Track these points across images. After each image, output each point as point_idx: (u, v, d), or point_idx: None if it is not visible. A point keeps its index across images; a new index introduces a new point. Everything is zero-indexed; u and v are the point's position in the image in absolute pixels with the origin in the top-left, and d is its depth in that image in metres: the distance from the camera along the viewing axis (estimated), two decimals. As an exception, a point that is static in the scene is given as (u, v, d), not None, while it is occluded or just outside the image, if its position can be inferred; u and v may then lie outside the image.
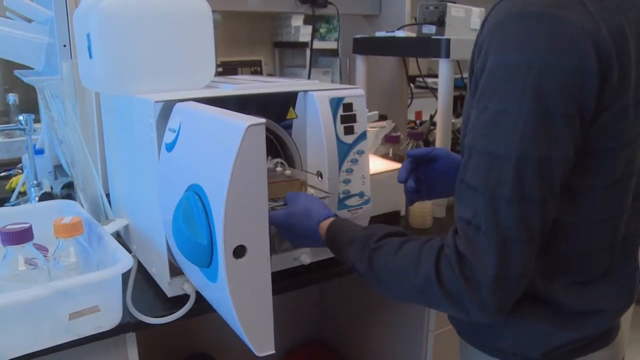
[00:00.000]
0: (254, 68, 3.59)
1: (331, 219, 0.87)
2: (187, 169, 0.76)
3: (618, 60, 0.65)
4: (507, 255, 0.64)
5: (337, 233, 0.85)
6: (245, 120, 0.64)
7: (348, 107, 1.06)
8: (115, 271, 0.84)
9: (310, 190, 1.05)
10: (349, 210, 1.08)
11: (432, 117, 2.39)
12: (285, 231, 0.91)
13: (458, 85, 4.49)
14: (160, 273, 0.97)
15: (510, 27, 0.65)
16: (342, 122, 1.05)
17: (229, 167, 0.63)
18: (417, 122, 2.32)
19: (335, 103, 1.04)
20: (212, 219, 0.66)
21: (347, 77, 2.02)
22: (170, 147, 0.82)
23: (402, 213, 1.40)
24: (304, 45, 4.50)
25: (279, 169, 1.05)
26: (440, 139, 1.44)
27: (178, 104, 0.85)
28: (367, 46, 1.65)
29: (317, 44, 4.65)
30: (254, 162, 0.64)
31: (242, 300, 0.67)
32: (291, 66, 4.13)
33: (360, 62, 1.67)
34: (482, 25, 0.71)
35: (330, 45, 4.76)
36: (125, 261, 0.85)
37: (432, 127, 2.18)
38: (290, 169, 1.05)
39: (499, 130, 0.65)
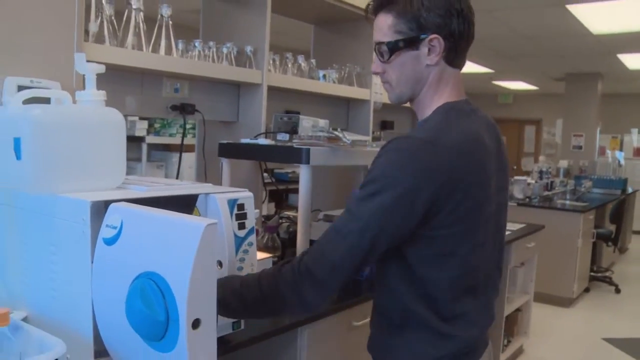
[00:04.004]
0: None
1: None
2: (136, 260, 0.90)
3: (453, 184, 1.07)
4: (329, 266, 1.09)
5: None
6: (201, 222, 0.83)
7: (241, 206, 1.28)
8: (51, 357, 0.92)
9: None
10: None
11: (277, 211, 2.69)
12: None
13: (284, 179, 4.88)
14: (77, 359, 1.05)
15: (390, 154, 1.08)
16: (236, 219, 1.26)
17: (190, 259, 0.81)
18: (265, 216, 2.58)
19: (232, 203, 1.25)
20: (172, 299, 0.82)
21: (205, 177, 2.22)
22: (110, 241, 0.95)
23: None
24: (139, 139, 4.60)
25: None
26: (302, 230, 1.71)
27: (114, 204, 0.99)
28: (232, 151, 1.90)
29: (152, 139, 4.77)
30: (209, 252, 0.83)
31: (198, 362, 0.83)
32: (127, 160, 4.17)
33: (226, 164, 1.90)
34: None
35: (164, 140, 4.92)
36: (59, 347, 0.94)
37: (280, 221, 2.46)
38: None
39: (365, 204, 1.07)
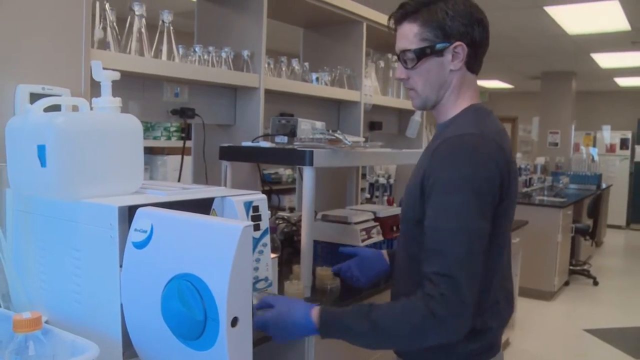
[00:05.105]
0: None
1: (318, 307, 1.21)
2: (169, 262, 0.93)
3: (507, 172, 1.15)
4: (468, 287, 1.08)
5: (331, 312, 1.19)
6: (238, 223, 0.86)
7: (256, 208, 1.31)
8: (87, 359, 0.94)
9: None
10: (258, 292, 1.30)
11: (273, 212, 2.72)
12: (274, 329, 1.21)
13: (267, 179, 4.90)
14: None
15: (453, 156, 1.14)
16: (252, 221, 1.29)
17: (229, 260, 0.84)
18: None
19: (247, 206, 1.28)
20: (211, 299, 0.86)
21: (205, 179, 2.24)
22: (140, 245, 0.98)
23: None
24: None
25: None
26: (306, 231, 1.75)
27: (142, 209, 1.02)
28: (234, 153, 1.92)
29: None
30: (246, 252, 0.87)
31: (236, 357, 0.86)
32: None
33: (229, 167, 1.93)
34: (430, 151, 1.20)
35: (148, 143, 4.90)
36: (93, 349, 0.96)
37: (277, 222, 2.50)
38: None
39: (455, 213, 1.09)
